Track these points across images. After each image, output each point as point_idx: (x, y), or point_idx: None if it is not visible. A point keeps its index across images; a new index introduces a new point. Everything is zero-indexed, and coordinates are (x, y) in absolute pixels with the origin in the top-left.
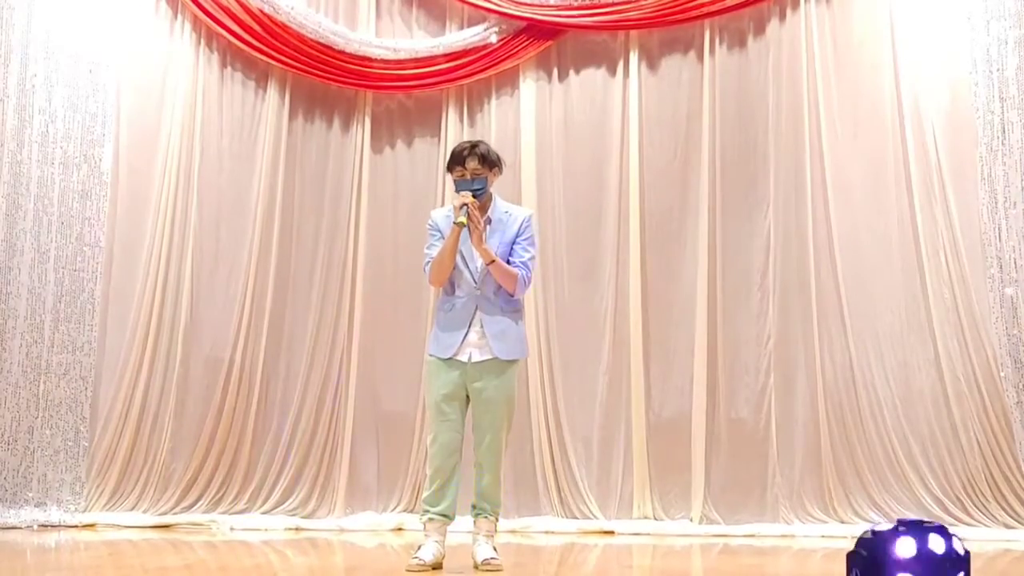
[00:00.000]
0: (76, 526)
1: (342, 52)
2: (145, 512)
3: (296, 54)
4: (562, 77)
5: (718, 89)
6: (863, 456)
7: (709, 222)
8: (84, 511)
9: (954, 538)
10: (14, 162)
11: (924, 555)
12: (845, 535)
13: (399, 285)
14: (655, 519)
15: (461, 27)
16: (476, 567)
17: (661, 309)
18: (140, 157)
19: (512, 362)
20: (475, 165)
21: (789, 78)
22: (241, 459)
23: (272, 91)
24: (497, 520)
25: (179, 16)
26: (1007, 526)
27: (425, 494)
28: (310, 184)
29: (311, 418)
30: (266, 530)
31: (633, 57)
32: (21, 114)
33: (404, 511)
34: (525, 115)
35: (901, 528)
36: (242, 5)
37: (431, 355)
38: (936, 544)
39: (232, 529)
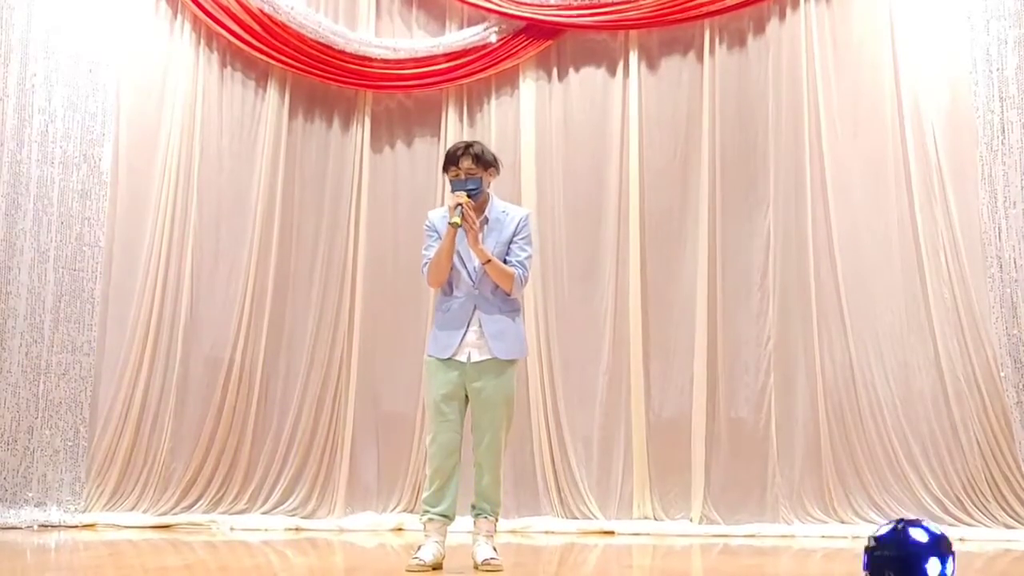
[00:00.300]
0: (76, 526)
1: (342, 52)
2: (145, 512)
3: (296, 54)
4: (562, 77)
5: (718, 89)
6: (863, 456)
7: (709, 222)
8: (84, 511)
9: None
10: (14, 162)
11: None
12: (845, 535)
13: (399, 285)
14: (655, 519)
15: (461, 27)
16: (476, 567)
17: (661, 309)
18: (140, 157)
19: (511, 362)
20: (469, 165)
21: (789, 78)
22: (241, 459)
23: (272, 91)
24: (497, 520)
25: (179, 16)
26: (1007, 526)
27: (425, 494)
28: (310, 184)
29: (311, 418)
30: (266, 530)
31: (633, 57)
32: (21, 114)
33: (404, 511)
34: (525, 115)
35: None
36: (242, 5)
37: (430, 355)
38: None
39: (232, 529)
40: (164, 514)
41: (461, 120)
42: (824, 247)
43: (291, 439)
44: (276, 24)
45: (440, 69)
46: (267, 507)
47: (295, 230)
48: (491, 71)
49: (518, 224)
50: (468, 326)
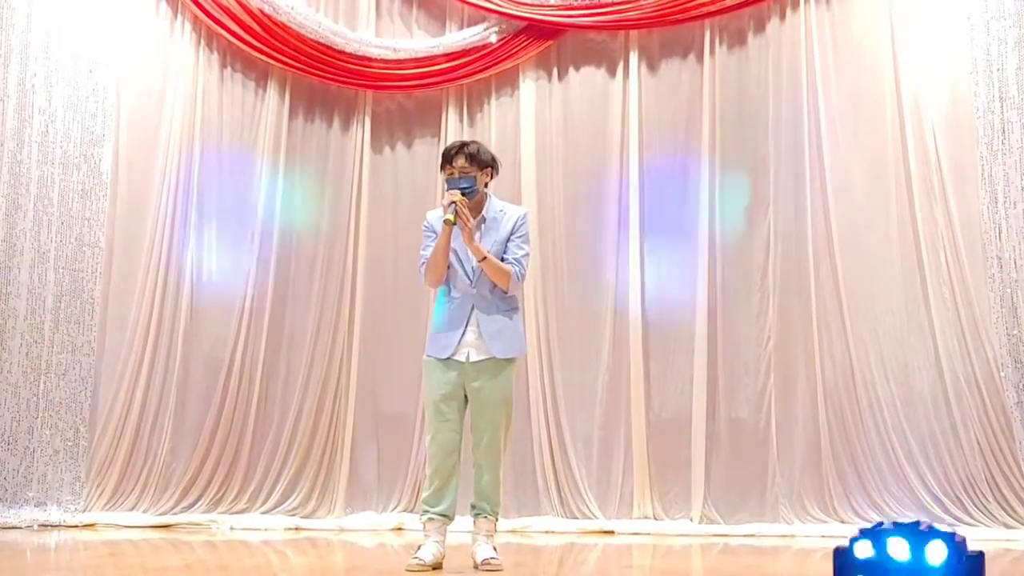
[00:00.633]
0: (76, 526)
1: (342, 52)
2: (145, 512)
3: (296, 54)
4: (562, 77)
5: (718, 89)
6: (863, 456)
7: (709, 222)
8: (84, 511)
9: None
10: (14, 162)
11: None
12: (845, 535)
13: (399, 285)
14: (655, 519)
15: (461, 27)
16: (476, 567)
17: (661, 309)
18: (140, 157)
19: (509, 361)
20: (463, 163)
21: (789, 78)
22: (241, 459)
23: (272, 91)
24: (497, 520)
25: (179, 16)
26: (1007, 526)
27: (424, 494)
28: (310, 184)
29: (311, 418)
30: (266, 530)
31: (633, 57)
32: (21, 114)
33: (404, 511)
34: (525, 115)
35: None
36: (242, 5)
37: (428, 355)
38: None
39: (232, 529)
40: (164, 514)
41: (461, 120)
42: (824, 247)
43: (291, 439)
44: (276, 24)
45: (440, 69)
46: (267, 507)
47: (295, 230)
48: (491, 71)
49: (515, 222)
50: (466, 326)
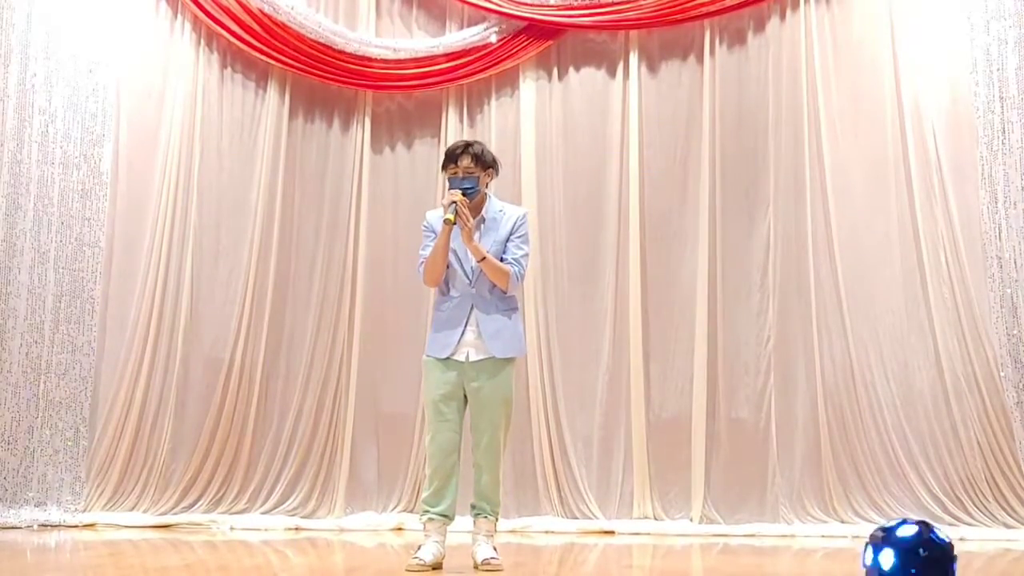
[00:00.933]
0: (76, 526)
1: (342, 52)
2: (145, 512)
3: (296, 54)
4: (562, 77)
5: (718, 89)
6: (863, 456)
7: (709, 222)
8: (84, 511)
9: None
10: (14, 162)
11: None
12: (845, 535)
13: (399, 285)
14: (655, 519)
15: (461, 27)
16: (476, 567)
17: (661, 309)
18: (140, 157)
19: (509, 360)
20: (467, 163)
21: (789, 78)
22: (241, 459)
23: (272, 91)
24: (497, 520)
25: (179, 16)
26: (1007, 526)
27: (424, 494)
28: (310, 184)
29: (311, 418)
30: (266, 530)
31: (633, 57)
32: (21, 114)
33: (404, 511)
34: (525, 115)
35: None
36: (242, 5)
37: (428, 355)
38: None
39: (232, 529)
40: (164, 514)
41: (461, 120)
42: (824, 247)
43: (291, 439)
44: (276, 24)
45: (440, 69)
46: (267, 507)
47: (295, 230)
48: (491, 71)
49: (515, 222)
50: (466, 325)
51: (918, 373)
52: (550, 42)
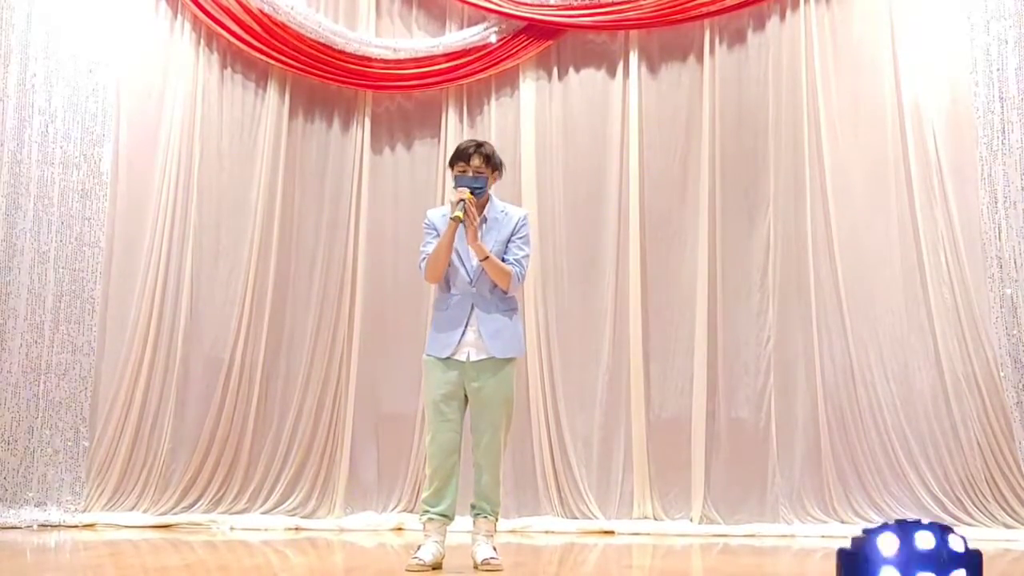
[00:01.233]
0: (76, 526)
1: (342, 52)
2: (145, 512)
3: (296, 54)
4: (562, 77)
5: (718, 89)
6: (863, 456)
7: (709, 222)
8: (84, 511)
9: (951, 535)
10: (14, 162)
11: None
12: (845, 535)
13: (399, 285)
14: (655, 519)
15: (461, 27)
16: (476, 567)
17: (661, 309)
18: (140, 157)
19: (509, 360)
20: (478, 163)
21: (789, 78)
22: (241, 459)
23: (272, 91)
24: (497, 520)
25: (179, 16)
26: (1007, 526)
27: (424, 494)
28: (310, 184)
29: (311, 418)
30: (266, 530)
31: (633, 57)
32: (21, 114)
33: (404, 511)
34: (525, 115)
35: (888, 525)
36: (242, 5)
37: (428, 355)
38: (925, 541)
39: (232, 529)
40: (164, 514)
41: (461, 120)
42: (824, 247)
43: (291, 439)
44: (276, 24)
45: (440, 69)
46: (267, 507)
47: (295, 230)
48: (491, 71)
49: (516, 223)
50: (466, 325)
51: (918, 373)
52: (550, 42)
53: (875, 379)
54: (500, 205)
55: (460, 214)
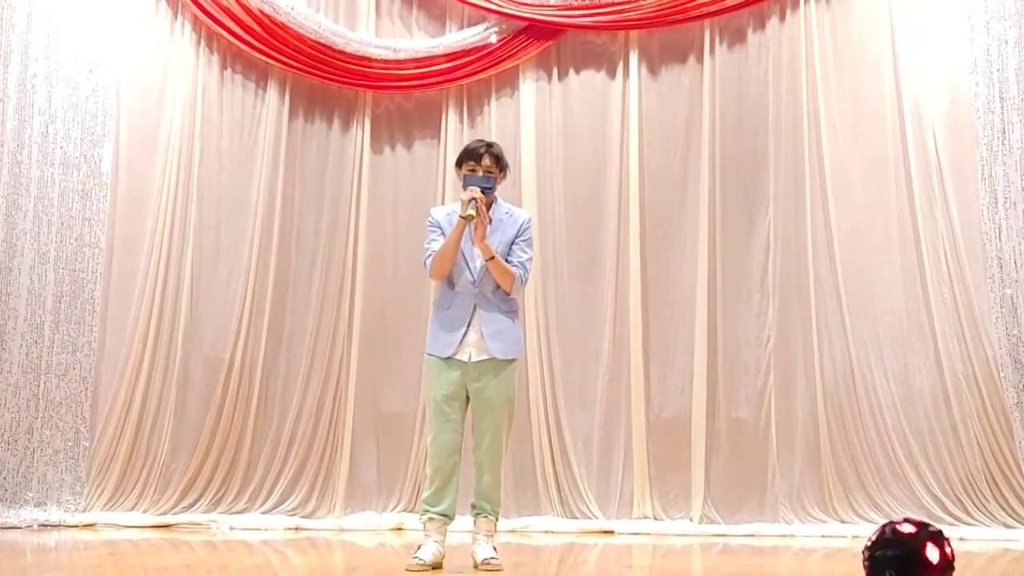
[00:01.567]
0: (76, 526)
1: (342, 52)
2: (145, 512)
3: (296, 54)
4: (562, 77)
5: (718, 89)
6: (863, 456)
7: (709, 222)
8: (84, 511)
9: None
10: (14, 162)
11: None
12: (845, 535)
13: (399, 285)
14: (655, 519)
15: (461, 27)
16: (476, 567)
17: (661, 309)
18: (140, 157)
19: (510, 361)
20: (489, 163)
21: (789, 78)
22: (241, 459)
23: (272, 91)
24: (497, 520)
25: (179, 16)
26: (1007, 526)
27: (425, 494)
28: (310, 184)
29: (311, 418)
30: (266, 530)
31: (633, 57)
32: (21, 114)
33: (404, 511)
34: (525, 115)
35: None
36: (242, 5)
37: (430, 354)
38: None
39: (232, 529)
40: (164, 514)
41: (461, 121)
42: (824, 247)
43: (291, 439)
44: (276, 24)
45: (440, 69)
46: (267, 507)
47: (295, 230)
48: (491, 71)
49: (521, 226)
50: (469, 325)
51: (918, 373)
52: (550, 42)
53: (875, 379)
54: (505, 206)
55: (473, 212)
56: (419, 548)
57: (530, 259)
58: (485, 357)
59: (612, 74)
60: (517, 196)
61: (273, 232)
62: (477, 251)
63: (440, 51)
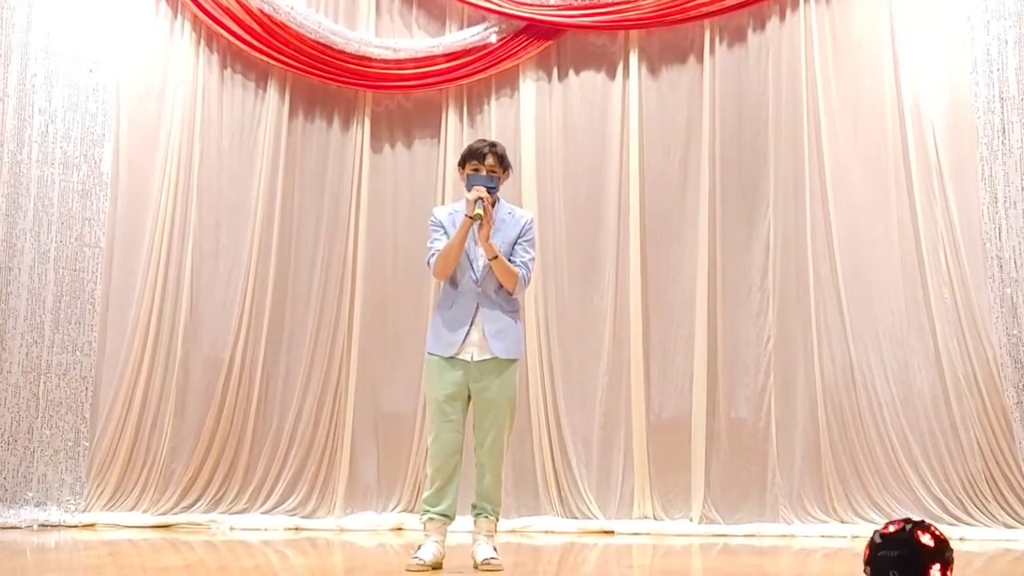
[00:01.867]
0: (76, 526)
1: (342, 52)
2: (145, 512)
3: (296, 54)
4: (562, 77)
5: (718, 89)
6: (863, 456)
7: (709, 222)
8: (84, 511)
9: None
10: (14, 162)
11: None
12: (845, 535)
13: (399, 285)
14: (655, 519)
15: (461, 27)
16: (476, 567)
17: (661, 309)
18: (140, 157)
19: (511, 361)
20: (493, 163)
21: (789, 78)
22: (241, 459)
23: (272, 91)
24: (497, 520)
25: (179, 16)
26: (1007, 526)
27: (425, 494)
28: (310, 184)
29: (311, 418)
30: (266, 530)
31: (633, 57)
32: (21, 114)
33: (404, 511)
34: (525, 115)
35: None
36: (242, 5)
37: (432, 353)
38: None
39: (232, 529)
40: (164, 514)
41: (461, 120)
42: (824, 247)
43: (291, 439)
44: (276, 24)
45: (440, 69)
46: (267, 507)
47: (295, 230)
48: (491, 71)
49: (523, 226)
50: (471, 325)
51: (918, 373)
52: (550, 42)
53: (875, 379)
54: (507, 207)
55: (481, 212)
56: (419, 548)
57: (532, 259)
58: (488, 357)
59: (612, 74)
60: (517, 196)
61: (273, 232)
62: (480, 250)
63: (440, 51)
